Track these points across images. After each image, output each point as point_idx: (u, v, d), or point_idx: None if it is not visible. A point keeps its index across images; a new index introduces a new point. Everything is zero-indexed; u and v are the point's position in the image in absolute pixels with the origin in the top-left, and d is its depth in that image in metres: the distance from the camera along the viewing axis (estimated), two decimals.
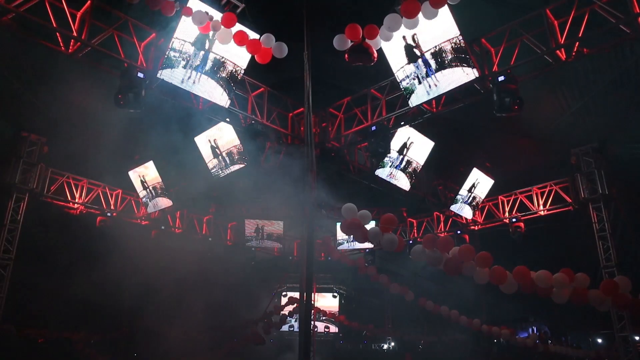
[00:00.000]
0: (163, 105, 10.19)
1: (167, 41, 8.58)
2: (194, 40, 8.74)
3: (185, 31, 8.57)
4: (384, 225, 6.62)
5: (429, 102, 9.66)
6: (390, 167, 12.58)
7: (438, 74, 8.91)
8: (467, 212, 14.93)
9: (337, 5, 9.60)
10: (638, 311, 6.42)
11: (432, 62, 8.86)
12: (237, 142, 12.13)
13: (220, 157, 12.59)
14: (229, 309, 18.93)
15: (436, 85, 9.08)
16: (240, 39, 7.59)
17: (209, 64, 9.16)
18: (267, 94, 11.27)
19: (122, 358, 16.10)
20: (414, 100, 9.60)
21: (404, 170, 12.79)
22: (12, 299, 11.82)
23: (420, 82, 9.23)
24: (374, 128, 10.87)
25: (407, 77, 9.36)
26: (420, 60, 8.99)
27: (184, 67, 8.93)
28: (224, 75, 9.41)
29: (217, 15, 7.91)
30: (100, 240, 14.19)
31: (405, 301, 12.77)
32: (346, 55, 6.99)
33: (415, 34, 8.55)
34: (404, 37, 8.73)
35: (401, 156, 12.49)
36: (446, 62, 8.71)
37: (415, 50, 8.82)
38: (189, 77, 9.08)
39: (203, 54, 8.98)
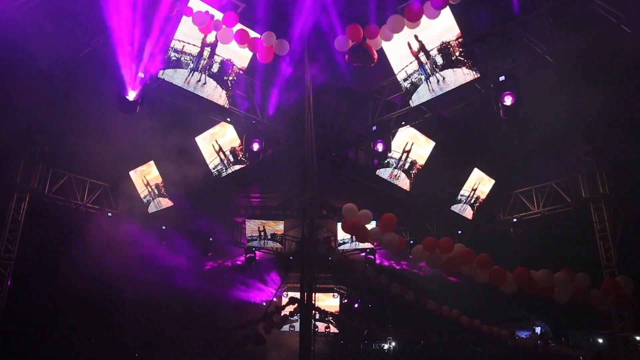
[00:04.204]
0: (164, 105, 10.21)
1: (168, 41, 8.59)
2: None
3: (186, 32, 8.59)
4: (384, 225, 6.60)
5: (429, 102, 9.66)
6: (391, 167, 12.58)
7: (439, 74, 8.92)
8: (468, 213, 14.91)
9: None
10: (639, 311, 6.40)
11: (433, 62, 8.88)
12: (237, 141, 12.14)
13: (221, 156, 12.59)
14: (229, 309, 18.98)
15: (437, 85, 9.08)
16: (241, 37, 7.58)
17: (210, 64, 9.17)
18: (267, 93, 11.26)
19: (123, 358, 16.09)
20: (416, 100, 9.60)
21: (404, 170, 12.79)
22: (12, 299, 11.83)
23: (421, 82, 9.24)
24: (374, 128, 10.88)
25: (409, 77, 9.37)
26: (423, 62, 9.01)
27: (186, 67, 8.94)
28: (224, 75, 9.42)
29: (217, 15, 7.90)
30: (103, 239, 14.21)
31: (405, 301, 12.75)
32: (346, 56, 6.98)
33: (416, 35, 8.56)
34: (409, 44, 8.77)
35: (402, 156, 12.49)
36: (447, 62, 8.72)
37: (421, 55, 8.84)
38: (191, 78, 9.09)
39: (205, 54, 9.00)
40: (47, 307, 13.77)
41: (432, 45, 8.69)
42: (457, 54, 8.57)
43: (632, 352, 11.20)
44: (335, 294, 22.25)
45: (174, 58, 8.77)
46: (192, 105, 10.13)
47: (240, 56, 9.37)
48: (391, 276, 12.51)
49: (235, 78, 9.64)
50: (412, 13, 6.60)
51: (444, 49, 8.57)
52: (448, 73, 8.79)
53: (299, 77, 11.20)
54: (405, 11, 6.67)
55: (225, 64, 9.39)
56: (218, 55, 9.24)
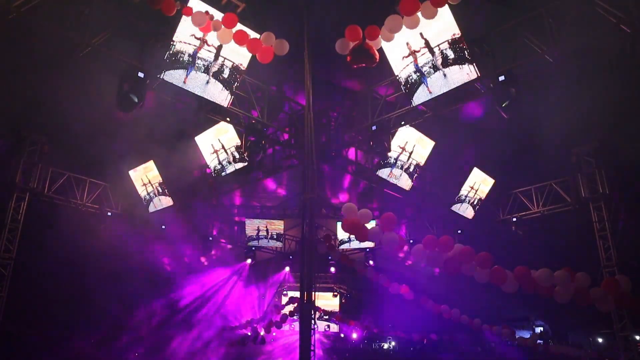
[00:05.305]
0: (164, 105, 10.21)
1: (168, 41, 8.60)
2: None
3: (186, 32, 8.59)
4: (384, 225, 6.61)
5: (429, 102, 9.66)
6: (391, 166, 12.58)
7: (439, 74, 8.92)
8: (468, 212, 14.91)
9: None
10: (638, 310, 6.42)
11: (433, 62, 8.87)
12: (238, 141, 12.15)
13: (220, 156, 12.60)
14: (229, 309, 18.98)
15: (437, 85, 9.08)
16: (241, 38, 7.58)
17: (210, 64, 9.18)
18: (267, 93, 11.27)
19: (122, 358, 16.10)
20: (416, 100, 9.60)
21: (404, 169, 12.80)
22: (12, 299, 11.82)
23: (421, 82, 9.24)
24: (374, 128, 10.88)
25: (409, 76, 9.37)
26: (420, 61, 9.02)
27: (186, 67, 8.94)
28: (225, 74, 9.42)
29: (217, 15, 7.90)
30: (102, 238, 14.20)
31: (405, 301, 12.77)
32: (348, 57, 6.98)
33: (421, 32, 8.56)
34: (407, 44, 8.78)
35: (402, 156, 12.50)
36: (447, 61, 8.72)
37: (424, 54, 8.86)
38: (191, 78, 9.09)
39: (206, 55, 9.01)
40: (47, 307, 13.76)
41: (438, 41, 8.65)
42: (455, 54, 8.56)
43: (632, 351, 11.21)
44: (336, 294, 22.23)
45: (174, 58, 8.77)
46: (193, 105, 10.13)
47: (240, 55, 9.36)
48: (391, 276, 12.53)
49: (238, 77, 9.64)
50: (407, 7, 6.57)
51: (456, 42, 8.51)
52: (448, 72, 8.77)
53: (299, 77, 11.19)
54: (400, 7, 6.64)
55: (236, 70, 9.41)
56: (229, 60, 9.25)
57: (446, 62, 8.74)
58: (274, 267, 19.71)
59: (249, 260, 18.00)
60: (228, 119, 10.93)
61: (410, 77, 9.31)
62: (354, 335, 21.58)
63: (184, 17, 7.98)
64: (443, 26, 8.34)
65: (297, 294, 17.46)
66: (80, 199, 13.98)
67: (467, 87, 9.03)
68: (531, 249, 14.03)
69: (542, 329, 19.19)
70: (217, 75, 9.34)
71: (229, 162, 12.55)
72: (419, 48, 8.91)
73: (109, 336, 15.70)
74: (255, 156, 12.20)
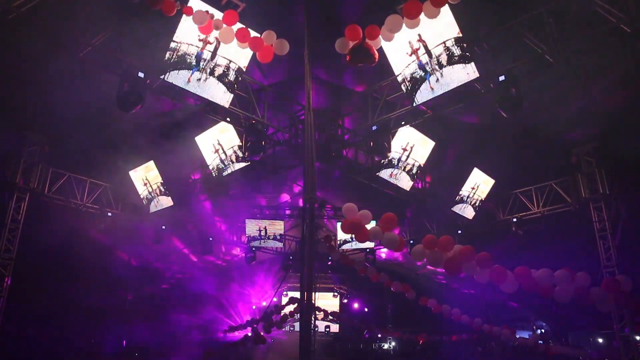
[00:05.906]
0: (164, 105, 10.20)
1: (168, 41, 8.60)
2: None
3: (187, 32, 8.59)
4: (384, 225, 6.61)
5: (429, 102, 9.65)
6: (391, 167, 12.59)
7: (439, 73, 8.91)
8: (468, 213, 14.91)
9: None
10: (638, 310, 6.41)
11: (434, 62, 8.87)
12: (238, 141, 12.15)
13: (221, 156, 12.61)
14: (229, 309, 19.00)
15: (437, 85, 9.07)
16: (242, 36, 7.57)
17: (211, 64, 9.17)
18: (268, 93, 11.26)
19: (123, 357, 16.11)
20: (417, 99, 9.59)
21: (404, 170, 12.79)
22: (12, 299, 11.82)
23: (422, 82, 9.23)
24: (374, 128, 10.88)
25: (409, 76, 9.36)
26: (422, 60, 9.01)
27: (189, 68, 8.94)
28: (231, 77, 9.42)
29: (217, 15, 7.90)
30: (102, 238, 14.21)
31: (406, 301, 12.75)
32: (347, 57, 6.97)
33: (419, 33, 8.56)
34: (410, 43, 8.78)
35: (402, 156, 12.50)
36: (447, 61, 8.71)
37: (423, 54, 8.84)
38: (192, 78, 9.09)
39: (205, 54, 9.00)
40: (47, 307, 13.76)
41: (439, 41, 8.62)
42: (455, 54, 8.55)
43: (632, 351, 11.20)
44: (336, 294, 22.28)
45: (178, 59, 8.77)
46: (193, 105, 10.13)
47: (241, 56, 9.36)
48: (391, 275, 12.50)
49: (239, 77, 9.64)
50: (410, 11, 6.57)
51: (456, 42, 8.48)
52: (448, 72, 8.75)
53: (299, 76, 11.19)
54: (403, 10, 6.64)
55: (238, 71, 9.40)
56: (234, 63, 9.25)
57: (447, 61, 8.72)
58: (274, 268, 19.72)
59: (249, 261, 18.00)
60: (228, 119, 10.92)
61: (415, 73, 9.26)
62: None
63: (184, 17, 7.98)
64: (443, 26, 8.34)
65: (297, 294, 17.46)
66: (80, 199, 13.98)
67: (467, 87, 9.02)
68: (531, 248, 14.02)
69: (542, 329, 19.21)
70: (222, 78, 9.34)
71: (230, 162, 12.56)
72: (419, 47, 8.91)
73: (109, 336, 15.71)
74: (255, 156, 12.19)
